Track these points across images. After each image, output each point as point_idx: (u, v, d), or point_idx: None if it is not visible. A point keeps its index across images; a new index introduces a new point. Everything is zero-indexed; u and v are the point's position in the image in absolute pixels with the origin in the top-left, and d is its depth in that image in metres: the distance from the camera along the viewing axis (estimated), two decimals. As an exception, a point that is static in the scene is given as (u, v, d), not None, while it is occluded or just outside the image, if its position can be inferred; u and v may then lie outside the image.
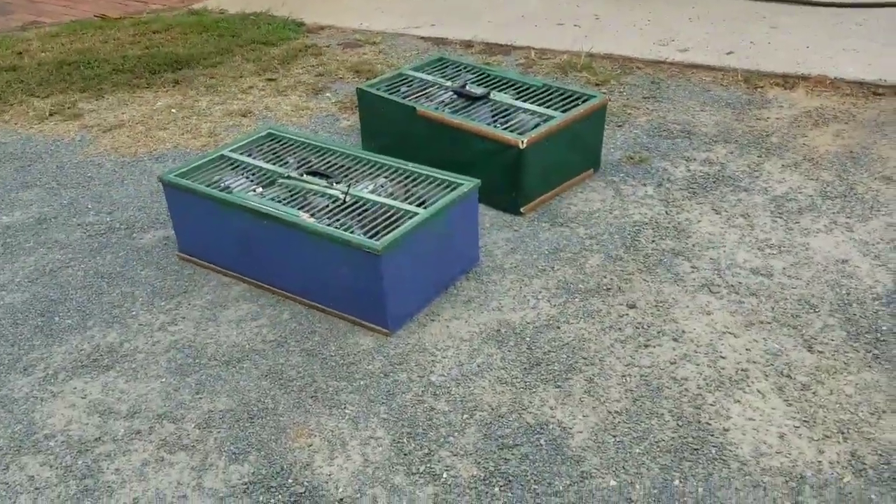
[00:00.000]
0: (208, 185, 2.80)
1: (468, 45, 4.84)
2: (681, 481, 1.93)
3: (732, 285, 2.61)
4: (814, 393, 2.15)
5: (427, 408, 2.22)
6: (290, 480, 2.02)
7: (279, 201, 2.69)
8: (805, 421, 2.07)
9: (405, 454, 2.08)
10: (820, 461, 1.94)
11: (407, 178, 2.81)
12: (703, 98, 3.89)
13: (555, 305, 2.59)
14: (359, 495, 1.96)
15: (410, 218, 2.53)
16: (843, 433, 2.02)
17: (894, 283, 2.53)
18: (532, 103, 3.27)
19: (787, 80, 3.93)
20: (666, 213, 3.03)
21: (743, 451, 2.00)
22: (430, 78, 3.56)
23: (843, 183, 3.09)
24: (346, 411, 2.22)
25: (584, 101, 3.22)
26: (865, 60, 3.99)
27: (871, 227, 2.82)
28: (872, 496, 1.84)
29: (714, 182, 3.19)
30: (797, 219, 2.91)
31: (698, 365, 2.29)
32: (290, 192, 2.77)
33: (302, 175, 2.85)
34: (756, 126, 3.59)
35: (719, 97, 3.88)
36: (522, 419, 2.15)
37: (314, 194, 2.74)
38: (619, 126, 3.71)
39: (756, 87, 3.94)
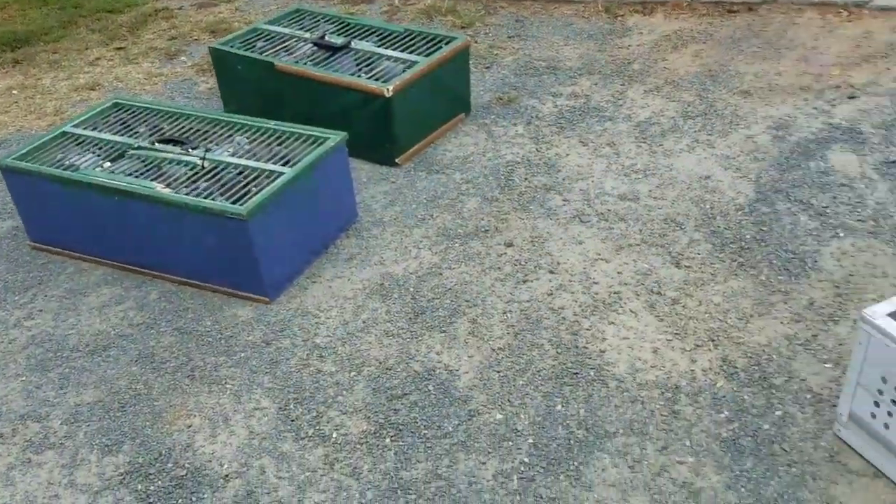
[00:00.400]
0: (51, 166, 2.59)
1: (330, -4, 4.68)
2: (563, 406, 1.96)
3: (602, 213, 2.65)
4: (683, 306, 2.22)
5: (313, 371, 2.16)
6: (170, 465, 1.93)
7: (131, 174, 2.52)
8: (677, 334, 2.13)
9: (292, 420, 2.02)
10: (693, 370, 2.02)
11: (270, 136, 2.69)
12: (567, 32, 3.90)
13: (436, 253, 2.56)
14: (245, 468, 1.90)
15: (276, 178, 2.43)
16: (713, 341, 2.10)
17: (755, 192, 2.64)
18: (395, 50, 3.18)
19: (646, 6, 4.00)
20: (537, 150, 3.04)
21: (619, 369, 2.05)
22: (287, 31, 3.40)
23: (703, 102, 3.18)
24: (227, 386, 2.14)
25: (447, 44, 3.16)
26: (717, -18, 4.11)
27: (730, 141, 2.92)
28: (745, 397, 1.92)
29: (580, 115, 3.22)
30: (661, 141, 2.98)
31: (573, 293, 2.32)
32: (143, 163, 2.60)
33: (153, 144, 2.68)
34: (618, 55, 3.64)
35: (582, 30, 3.91)
36: (410, 368, 2.13)
37: (169, 163, 2.58)
38: (487, 68, 3.68)
39: (616, 15, 3.98)
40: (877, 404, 1.61)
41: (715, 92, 3.23)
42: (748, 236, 2.45)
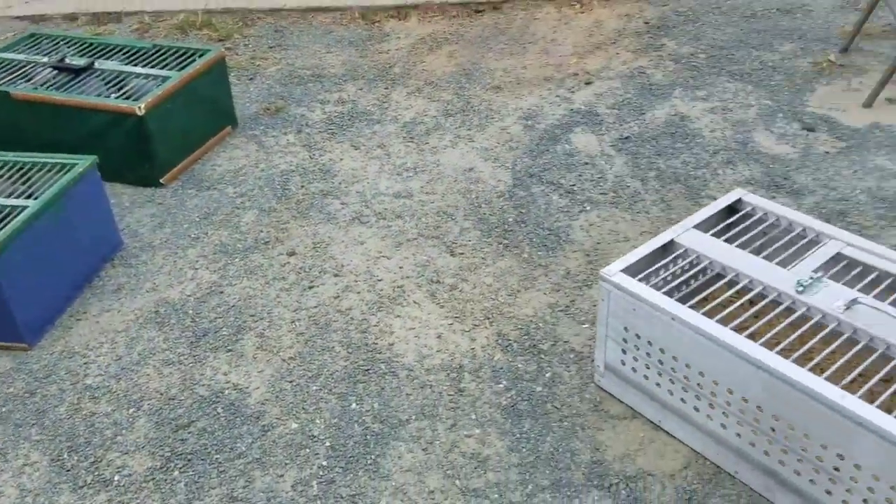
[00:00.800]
0: None
1: (72, 17, 4.35)
2: (357, 403, 2.00)
3: (379, 212, 2.72)
4: (461, 291, 2.35)
5: (86, 414, 2.02)
6: (-77, 546, 1.72)
7: None
8: (457, 317, 2.25)
9: (68, 469, 1.87)
10: (473, 348, 2.14)
11: (9, 170, 2.46)
12: (327, 40, 3.94)
13: (214, 271, 2.49)
14: (18, 532, 1.73)
15: (19, 213, 2.23)
16: (488, 319, 2.24)
17: (513, 178, 2.84)
18: (145, 67, 3.04)
19: (400, 11, 4.15)
20: (310, 157, 3.05)
21: (408, 359, 2.12)
22: (22, 57, 3.13)
23: (460, 99, 3.36)
24: (-12, 446, 1.94)
25: (200, 57, 3.07)
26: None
27: (488, 134, 3.11)
28: (519, 365, 2.07)
29: (349, 119, 3.28)
30: (426, 140, 3.12)
31: (360, 293, 2.37)
32: None
33: None
34: (379, 60, 3.74)
35: (342, 37, 3.97)
36: (195, 394, 2.05)
37: None
38: (251, 79, 3.63)
39: (373, 21, 4.09)
40: (624, 352, 1.82)
41: (470, 89, 3.43)
42: (510, 219, 2.64)
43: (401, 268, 2.46)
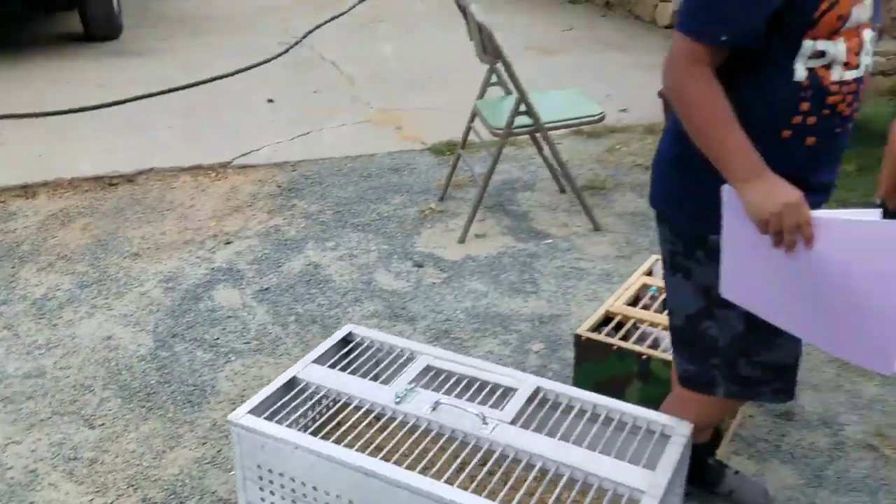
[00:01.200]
0: None
1: None
2: None
3: (7, 397, 2.57)
4: (101, 463, 2.30)
5: None
6: None
7: None
8: (97, 491, 2.20)
9: None
10: (116, 519, 2.10)
11: None
12: (-60, 221, 3.68)
13: None
14: None
15: None
16: (132, 486, 2.22)
17: (154, 340, 2.89)
18: None
19: (28, 190, 4.04)
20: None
21: (41, 547, 2.01)
22: None
23: (96, 270, 3.35)
24: None
25: None
26: (98, 158, 4.40)
27: (127, 300, 3.14)
28: (168, 526, 2.08)
29: (-32, 302, 3.07)
30: (60, 314, 3.04)
31: (-18, 488, 2.19)
32: None
33: None
34: (5, 239, 3.58)
35: (-42, 217, 3.73)
36: None
37: None
38: None
39: None
40: (261, 489, 1.95)
41: (107, 259, 3.44)
42: (153, 381, 2.67)
43: (33, 451, 2.34)
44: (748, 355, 1.73)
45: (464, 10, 3.43)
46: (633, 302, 2.53)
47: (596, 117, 3.42)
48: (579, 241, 3.57)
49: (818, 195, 1.60)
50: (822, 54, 1.44)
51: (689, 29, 1.46)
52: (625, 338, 2.35)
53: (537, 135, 3.63)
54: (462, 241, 3.59)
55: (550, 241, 3.58)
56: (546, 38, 6.93)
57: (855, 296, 1.42)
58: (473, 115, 3.78)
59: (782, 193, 1.44)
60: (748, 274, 1.57)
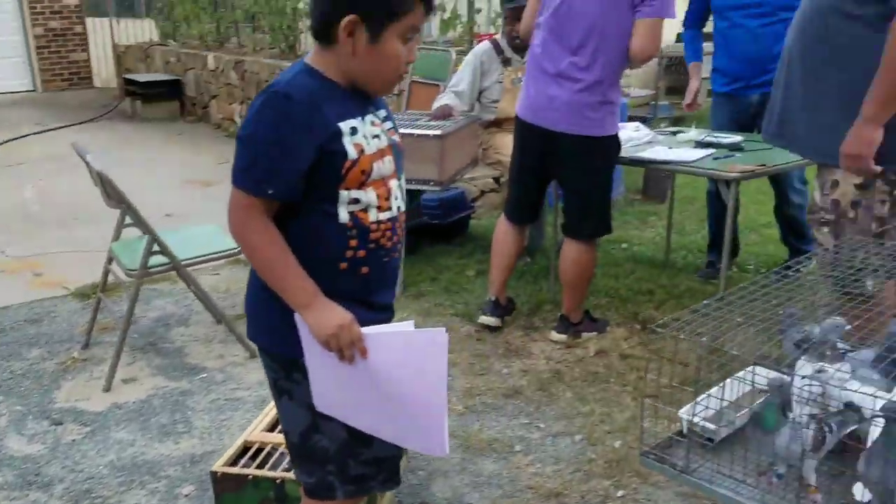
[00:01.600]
0: None
1: None
2: None
3: None
4: None
5: None
6: None
7: None
8: None
9: None
10: None
11: None
12: None
13: None
14: None
15: None
16: None
17: None
18: None
19: None
20: None
21: None
22: None
23: None
24: None
25: None
26: None
27: None
28: None
29: None
30: None
31: None
32: None
33: None
34: None
35: None
36: None
37: None
38: None
39: None
40: None
41: None
42: None
43: None
44: (355, 457, 1.92)
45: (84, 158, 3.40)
46: (273, 426, 2.63)
47: (235, 251, 3.56)
48: (236, 370, 3.60)
49: (382, 313, 1.88)
50: (357, 201, 1.73)
51: (241, 184, 1.67)
52: (262, 464, 2.42)
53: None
54: (107, 389, 3.42)
55: (205, 374, 3.56)
56: (206, 170, 7.04)
57: (406, 394, 1.69)
58: (110, 258, 3.69)
59: (335, 317, 1.68)
60: (332, 388, 1.78)
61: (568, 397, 3.20)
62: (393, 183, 1.82)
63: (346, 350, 1.69)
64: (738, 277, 4.49)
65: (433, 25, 7.23)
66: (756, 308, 1.94)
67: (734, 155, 3.52)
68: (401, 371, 1.68)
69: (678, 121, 10.30)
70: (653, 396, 1.98)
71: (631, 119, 10.36)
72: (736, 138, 3.75)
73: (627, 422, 2.98)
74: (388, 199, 1.80)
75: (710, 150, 3.61)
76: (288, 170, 1.66)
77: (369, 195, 1.75)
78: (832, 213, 2.50)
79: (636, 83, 10.74)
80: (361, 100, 1.77)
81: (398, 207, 1.84)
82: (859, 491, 1.62)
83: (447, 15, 6.96)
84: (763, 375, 1.76)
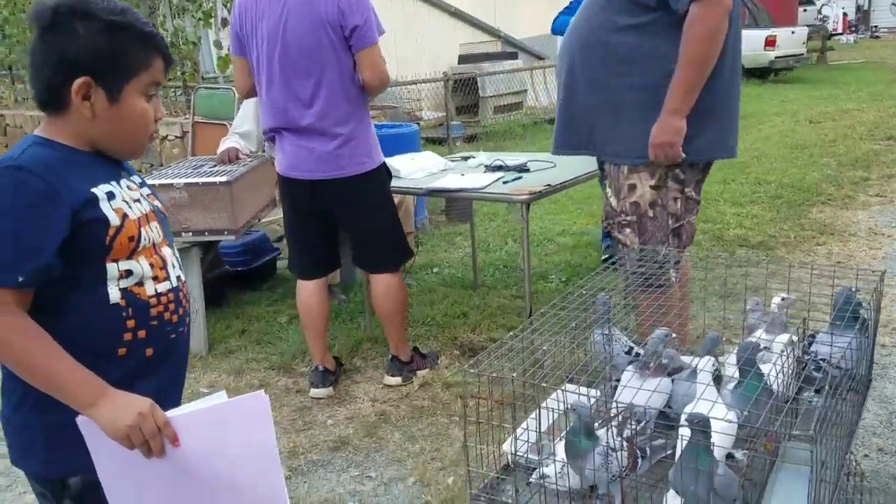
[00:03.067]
0: None
1: None
2: None
3: None
4: None
5: None
6: None
7: None
8: None
9: None
10: None
11: None
12: None
13: None
14: None
15: None
16: None
17: None
18: None
19: None
20: None
21: None
22: None
23: None
24: None
25: None
26: None
27: None
28: None
29: None
30: None
31: None
32: None
33: None
34: None
35: None
36: None
37: None
38: None
39: None
40: None
41: None
42: None
43: None
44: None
45: None
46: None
47: None
48: None
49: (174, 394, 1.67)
50: (129, 273, 1.53)
51: (-12, 276, 1.41)
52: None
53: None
54: None
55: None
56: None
57: (234, 474, 1.50)
58: None
59: (132, 406, 1.45)
60: (139, 496, 1.54)
61: (397, 439, 3.12)
62: (166, 251, 1.64)
63: (153, 441, 1.44)
64: (542, 288, 4.67)
65: (213, 62, 6.92)
66: (564, 326, 1.98)
67: (521, 176, 3.64)
68: (222, 450, 1.49)
69: (471, 139, 10.76)
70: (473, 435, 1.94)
71: (427, 140, 10.70)
72: (521, 159, 3.89)
73: (458, 454, 2.95)
74: (163, 268, 1.61)
75: (500, 174, 3.71)
76: (37, 249, 1.42)
77: (142, 265, 1.55)
78: (633, 215, 2.68)
79: (428, 107, 11.03)
80: (110, 165, 1.59)
81: (177, 277, 1.66)
82: (671, 500, 1.67)
83: (224, 52, 6.68)
84: (576, 393, 1.77)
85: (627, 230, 2.72)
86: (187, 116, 6.33)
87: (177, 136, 6.62)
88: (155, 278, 1.58)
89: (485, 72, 11.39)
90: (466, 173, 3.89)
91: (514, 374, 1.76)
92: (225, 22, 6.76)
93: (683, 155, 2.58)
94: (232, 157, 4.20)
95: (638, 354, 2.20)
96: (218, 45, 6.76)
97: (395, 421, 3.26)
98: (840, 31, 25.14)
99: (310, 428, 3.25)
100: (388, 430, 3.19)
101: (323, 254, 3.54)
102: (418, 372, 3.61)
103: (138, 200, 1.60)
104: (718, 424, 1.57)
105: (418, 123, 10.54)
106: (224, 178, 3.73)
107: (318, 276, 3.55)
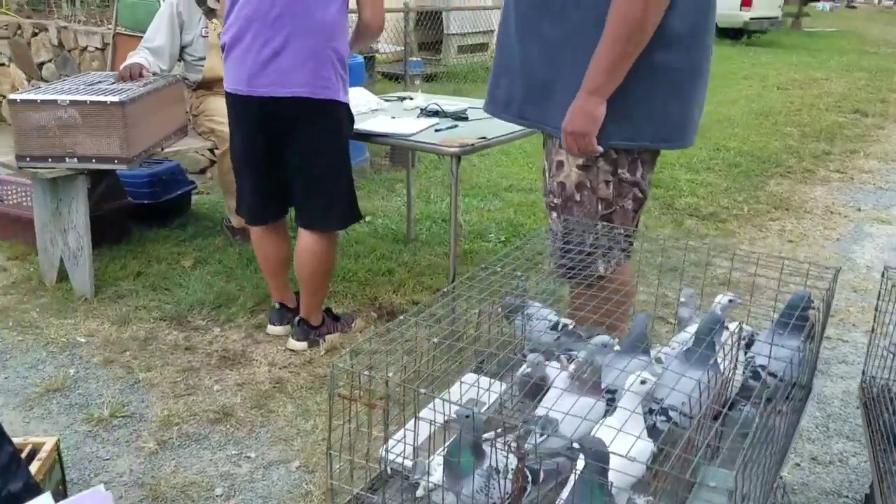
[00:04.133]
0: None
1: None
2: None
3: None
4: None
5: None
6: None
7: None
8: None
9: None
10: None
11: None
12: None
13: None
14: None
15: None
16: None
17: None
18: None
19: None
20: None
21: None
22: None
23: None
24: None
25: None
26: None
27: None
28: None
29: None
30: None
31: None
32: None
33: None
34: None
35: None
36: None
37: None
38: None
39: None
40: None
41: None
42: None
43: None
44: None
45: None
46: None
47: None
48: None
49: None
50: None
51: None
52: None
53: None
54: None
55: None
56: None
57: None
58: None
59: None
60: None
61: (288, 413, 2.76)
62: None
63: None
64: (478, 248, 4.32)
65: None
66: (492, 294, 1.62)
67: (457, 126, 3.23)
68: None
69: (430, 77, 10.20)
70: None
71: (384, 76, 10.11)
72: (461, 106, 3.47)
73: (354, 436, 2.61)
74: None
75: (434, 121, 3.29)
76: None
77: None
78: (559, 197, 2.25)
79: (387, 39, 10.40)
80: None
81: None
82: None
83: (156, -44, 5.99)
84: (457, 404, 1.43)
85: (554, 214, 2.31)
86: (109, 26, 5.70)
87: (97, 48, 5.99)
88: None
89: (451, 6, 10.77)
90: (399, 116, 3.47)
91: (393, 370, 1.42)
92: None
93: (600, 150, 2.09)
94: (135, 73, 3.69)
95: (565, 326, 1.90)
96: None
97: (290, 391, 2.90)
98: (817, -3, 24.81)
99: (192, 393, 2.87)
100: (280, 401, 2.83)
101: (272, 192, 3.05)
102: (327, 336, 3.24)
103: None
104: (619, 462, 1.24)
105: (373, 56, 9.96)
106: (116, 98, 3.23)
107: (266, 220, 3.13)
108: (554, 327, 1.91)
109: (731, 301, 1.88)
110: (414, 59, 9.87)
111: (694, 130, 2.20)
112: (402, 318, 1.60)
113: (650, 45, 1.97)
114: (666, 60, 2.02)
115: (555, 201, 2.27)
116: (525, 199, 5.23)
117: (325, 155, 2.92)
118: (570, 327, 1.90)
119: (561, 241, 2.10)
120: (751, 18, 14.90)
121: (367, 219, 4.81)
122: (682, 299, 1.94)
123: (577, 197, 2.21)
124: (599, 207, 2.21)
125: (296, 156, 2.91)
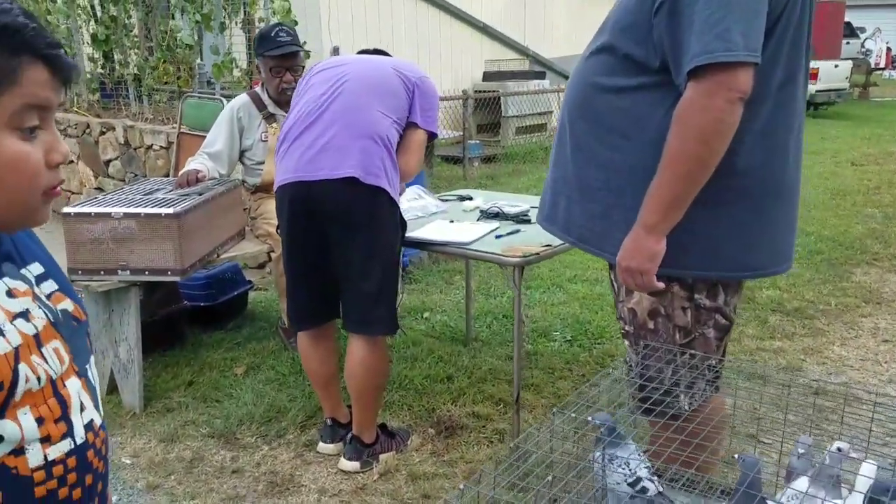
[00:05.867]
0: None
1: None
2: None
3: None
4: None
5: None
6: None
7: None
8: None
9: None
10: None
11: None
12: None
13: None
14: None
15: None
16: None
17: None
18: None
19: None
20: None
21: None
22: None
23: None
24: None
25: None
26: None
27: None
28: None
29: None
30: None
31: None
32: None
33: None
34: None
35: None
36: None
37: None
38: None
39: None
40: None
41: None
42: None
43: None
44: None
45: None
46: None
47: None
48: None
49: None
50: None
51: None
52: None
53: None
54: None
55: None
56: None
57: None
58: None
59: None
60: None
61: (338, 551, 2.53)
62: (72, 385, 1.06)
63: None
64: (542, 349, 4.07)
65: (208, 69, 6.40)
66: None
67: (519, 229, 3.05)
68: None
69: (489, 159, 10.18)
70: None
71: (444, 159, 10.12)
72: (523, 207, 3.30)
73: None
74: (62, 418, 1.03)
75: (495, 224, 3.12)
76: None
77: (22, 422, 0.97)
78: (630, 325, 2.02)
79: (447, 125, 10.48)
80: None
81: (91, 422, 1.08)
82: None
83: (221, 58, 6.17)
84: None
85: (626, 342, 2.07)
86: (174, 125, 5.82)
87: (162, 147, 6.11)
88: (46, 439, 1.00)
89: (509, 91, 10.82)
90: (458, 219, 3.32)
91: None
92: (223, 27, 6.25)
93: (661, 285, 1.87)
94: (192, 180, 3.66)
95: (644, 490, 1.65)
96: (215, 50, 6.24)
97: (341, 524, 2.67)
98: (883, 65, 24.24)
99: (237, 526, 2.67)
100: (330, 536, 2.61)
101: (321, 296, 2.91)
102: (381, 456, 3.02)
103: (24, 313, 1.01)
104: None
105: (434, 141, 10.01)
106: (171, 210, 3.18)
107: (316, 323, 2.98)
108: (633, 484, 1.65)
109: (839, 450, 1.60)
110: (472, 141, 9.89)
111: (785, 256, 1.95)
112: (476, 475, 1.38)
113: (730, 167, 1.77)
114: (739, 185, 1.82)
115: (626, 328, 2.04)
116: (591, 291, 4.98)
117: (378, 245, 2.78)
118: (653, 487, 1.64)
119: (637, 375, 1.86)
120: (817, 91, 14.56)
121: (426, 315, 4.63)
122: (799, 450, 1.66)
123: (651, 325, 1.97)
124: (677, 336, 1.96)
125: (345, 244, 2.77)
